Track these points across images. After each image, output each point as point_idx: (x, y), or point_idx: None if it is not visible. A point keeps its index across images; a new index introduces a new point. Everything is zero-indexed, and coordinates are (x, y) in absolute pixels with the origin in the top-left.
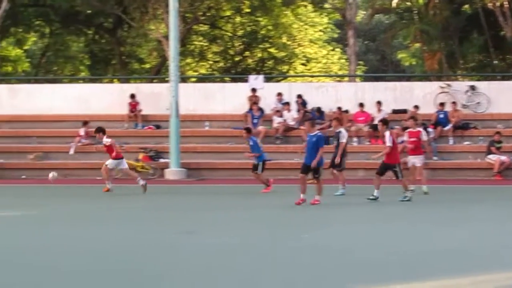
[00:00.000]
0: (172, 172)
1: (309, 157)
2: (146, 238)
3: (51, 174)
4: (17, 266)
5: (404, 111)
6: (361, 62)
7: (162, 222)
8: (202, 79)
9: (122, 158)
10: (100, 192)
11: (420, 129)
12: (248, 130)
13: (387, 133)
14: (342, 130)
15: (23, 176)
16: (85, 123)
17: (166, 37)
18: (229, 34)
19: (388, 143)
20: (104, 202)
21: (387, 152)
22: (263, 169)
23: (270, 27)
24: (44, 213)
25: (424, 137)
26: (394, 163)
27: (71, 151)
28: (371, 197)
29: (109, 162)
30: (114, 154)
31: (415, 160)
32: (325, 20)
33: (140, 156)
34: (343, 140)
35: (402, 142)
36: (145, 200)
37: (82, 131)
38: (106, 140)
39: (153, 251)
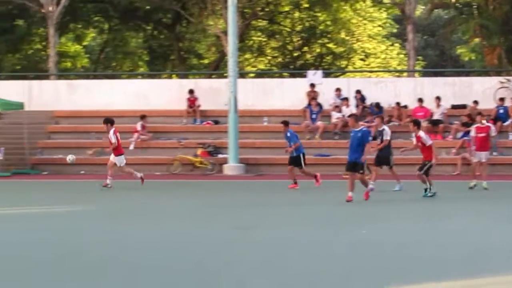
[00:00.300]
0: (231, 167)
1: (353, 153)
2: (205, 233)
3: (70, 157)
4: (81, 260)
5: (463, 107)
6: (420, 57)
7: (221, 218)
8: (260, 74)
9: (123, 154)
10: (159, 187)
11: (490, 124)
12: (286, 123)
13: (422, 133)
14: (386, 128)
15: (82, 172)
16: (142, 117)
17: (225, 32)
18: (288, 29)
19: (429, 141)
20: (164, 197)
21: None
22: (304, 163)
23: (328, 22)
24: (104, 208)
25: (493, 133)
26: (430, 160)
27: (131, 147)
28: (429, 194)
29: (118, 162)
30: (116, 151)
31: (482, 156)
32: (384, 15)
33: (199, 151)
34: (387, 137)
35: (463, 137)
36: (204, 196)
37: (139, 126)
38: (111, 137)
39: (212, 246)
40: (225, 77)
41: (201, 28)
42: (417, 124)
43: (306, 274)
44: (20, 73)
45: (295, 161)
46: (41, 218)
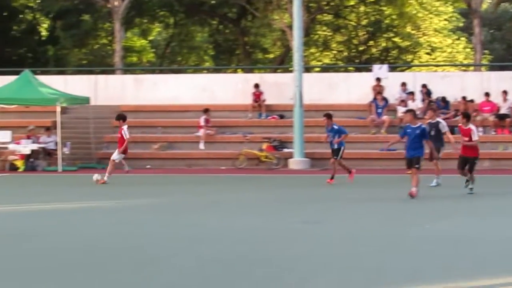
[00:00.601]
0: (296, 162)
1: (411, 150)
2: (274, 227)
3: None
4: (147, 254)
5: None
6: (486, 51)
7: (288, 212)
8: (326, 68)
9: (125, 154)
10: (225, 182)
11: None
12: (329, 116)
13: (473, 127)
14: (441, 120)
15: (148, 166)
16: (205, 111)
17: (290, 27)
18: (353, 23)
19: (476, 136)
20: (230, 192)
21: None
22: (342, 156)
23: (394, 16)
24: (171, 202)
25: None
26: (476, 156)
27: (201, 146)
28: (470, 192)
29: (117, 157)
30: (123, 147)
31: None
32: (450, 9)
33: (264, 146)
34: (446, 129)
35: None
36: (271, 190)
37: (202, 120)
38: (125, 132)
39: (280, 240)
40: (291, 71)
41: (266, 23)
42: (467, 117)
43: (374, 268)
44: (86, 68)
45: (335, 152)
46: (111, 212)
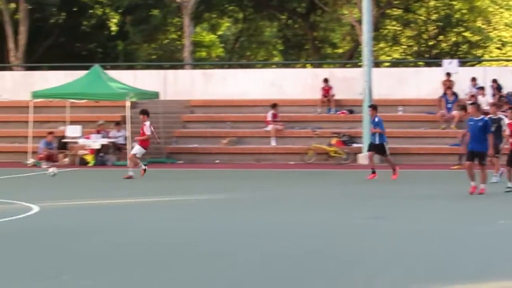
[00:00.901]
0: (365, 157)
1: (474, 143)
2: (341, 223)
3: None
4: (213, 248)
5: None
6: None
7: (357, 207)
8: (395, 63)
9: (146, 149)
10: (291, 177)
11: None
12: (374, 107)
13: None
14: (503, 116)
15: (217, 161)
16: (273, 106)
17: (359, 21)
18: (423, 18)
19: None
20: (299, 187)
21: None
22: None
23: (464, 11)
24: (240, 198)
25: None
26: None
27: (273, 143)
28: (507, 189)
29: (138, 152)
30: (142, 142)
31: None
32: None
33: (333, 141)
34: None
35: None
36: (340, 186)
37: (269, 115)
38: (148, 128)
39: (348, 236)
40: (360, 66)
41: (335, 17)
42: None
43: (442, 264)
44: (156, 63)
45: (377, 148)
46: (183, 206)
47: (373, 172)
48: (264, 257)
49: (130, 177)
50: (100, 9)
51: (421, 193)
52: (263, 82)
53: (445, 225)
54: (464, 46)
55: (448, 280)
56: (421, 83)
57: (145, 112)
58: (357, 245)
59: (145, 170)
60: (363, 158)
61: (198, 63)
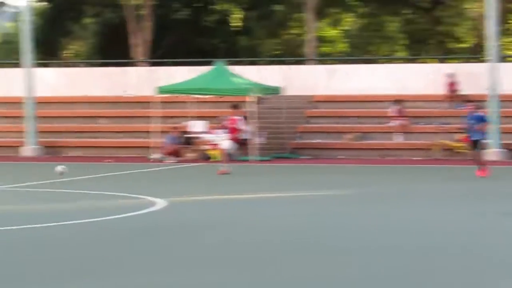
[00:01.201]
0: (492, 153)
1: None
2: (468, 219)
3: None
4: (326, 245)
5: None
6: None
7: (483, 203)
8: None
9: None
10: (415, 172)
11: None
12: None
13: None
14: None
15: (341, 156)
16: (397, 102)
17: (484, 15)
18: None
19: None
20: (425, 182)
21: None
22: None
23: None
24: (366, 193)
25: None
26: None
27: (399, 138)
28: None
29: (229, 147)
30: (233, 136)
31: None
32: None
33: (460, 136)
34: None
35: None
36: (464, 182)
37: (393, 110)
38: (241, 123)
39: (477, 232)
40: (486, 61)
41: (459, 12)
42: None
43: None
44: (278, 58)
45: (476, 144)
46: (315, 201)
47: (483, 169)
48: (391, 253)
49: (225, 172)
50: (222, 4)
51: None
52: (386, 77)
53: None
54: None
55: None
56: None
57: (236, 107)
58: (487, 240)
59: (226, 171)
60: (490, 154)
61: (321, 58)
